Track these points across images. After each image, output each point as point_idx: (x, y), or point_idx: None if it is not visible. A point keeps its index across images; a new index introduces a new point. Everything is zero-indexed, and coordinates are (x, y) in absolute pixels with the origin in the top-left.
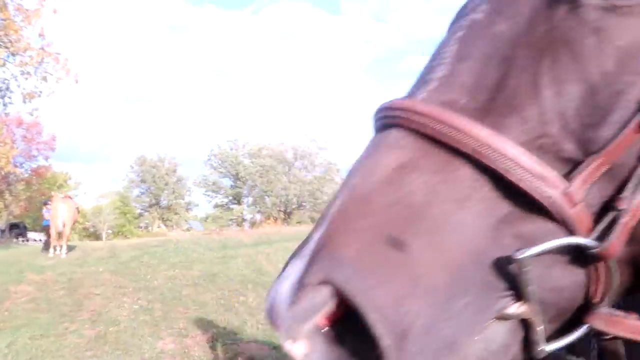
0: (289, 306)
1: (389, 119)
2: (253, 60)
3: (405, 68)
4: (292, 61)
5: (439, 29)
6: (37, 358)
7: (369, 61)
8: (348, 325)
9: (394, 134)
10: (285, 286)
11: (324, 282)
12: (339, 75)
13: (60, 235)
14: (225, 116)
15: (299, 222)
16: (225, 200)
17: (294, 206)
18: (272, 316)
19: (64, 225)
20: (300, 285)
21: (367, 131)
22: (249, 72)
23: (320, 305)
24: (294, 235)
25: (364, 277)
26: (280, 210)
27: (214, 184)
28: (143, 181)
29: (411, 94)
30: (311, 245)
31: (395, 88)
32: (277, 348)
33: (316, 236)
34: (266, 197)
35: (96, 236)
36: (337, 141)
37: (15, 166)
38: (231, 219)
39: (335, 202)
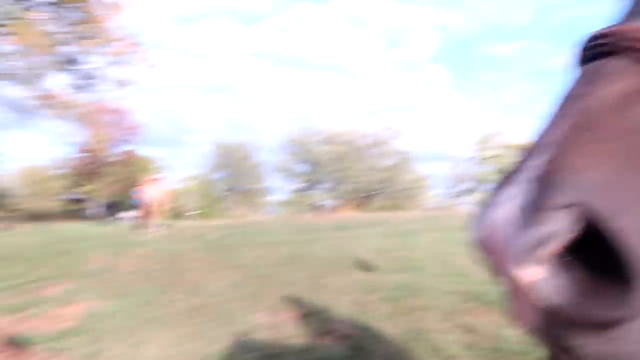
0: (520, 230)
1: (607, 47)
2: (324, 48)
3: (478, 55)
4: (362, 48)
5: (510, 14)
6: (145, 322)
7: (440, 48)
8: (581, 253)
9: (614, 63)
10: (508, 210)
11: (570, 205)
12: (410, 63)
13: (151, 214)
14: (301, 103)
15: (376, 209)
16: (302, 185)
17: (371, 193)
18: (490, 242)
19: (155, 205)
20: (537, 209)
21: (571, 66)
22: (321, 60)
23: (562, 230)
24: (374, 220)
25: (621, 203)
26: (357, 197)
27: (291, 169)
28: (224, 166)
29: (627, 21)
30: (533, 171)
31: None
32: (367, 328)
33: (535, 163)
34: (342, 183)
35: (182, 217)
36: (410, 129)
37: (109, 150)
38: (308, 205)
39: (555, 130)
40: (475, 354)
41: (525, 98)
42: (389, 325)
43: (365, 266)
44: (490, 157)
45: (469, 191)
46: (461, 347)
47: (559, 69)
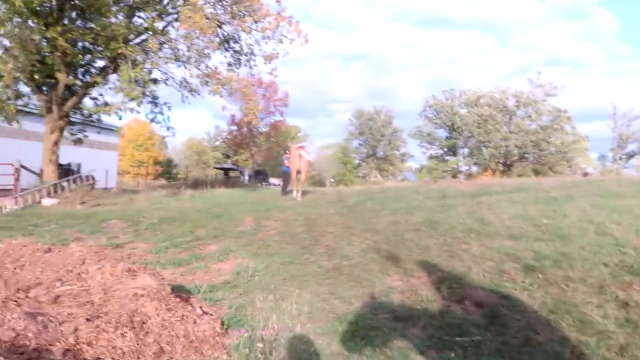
0: None
1: None
2: (470, 3)
3: None
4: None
5: None
6: (288, 279)
7: None
8: None
9: None
10: None
11: None
12: (568, 8)
13: (296, 180)
14: (441, 65)
15: (520, 175)
16: (440, 151)
17: (514, 158)
18: None
19: (299, 172)
20: None
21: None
22: (466, 17)
23: None
24: (517, 186)
25: None
26: (499, 162)
27: (428, 135)
28: (361, 133)
29: None
30: None
31: None
32: (505, 297)
33: None
34: (484, 148)
35: (321, 183)
36: (567, 85)
37: (259, 120)
38: (446, 170)
39: None
40: (633, 331)
41: None
42: (530, 296)
43: (505, 234)
44: None
45: (634, 154)
46: (616, 322)
47: None
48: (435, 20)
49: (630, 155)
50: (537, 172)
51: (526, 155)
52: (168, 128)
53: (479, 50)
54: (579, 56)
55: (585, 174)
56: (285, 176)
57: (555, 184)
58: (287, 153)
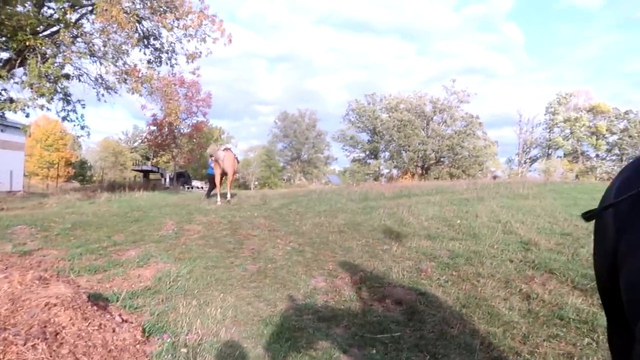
0: None
1: None
2: (390, 11)
3: (562, 7)
4: (431, 10)
5: None
6: (211, 284)
7: (511, 1)
8: None
9: None
10: None
11: None
12: (481, 20)
13: (220, 183)
14: (363, 70)
15: (436, 178)
16: (362, 155)
17: (431, 161)
18: None
19: (224, 174)
20: None
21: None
22: (386, 24)
23: None
24: (435, 188)
25: None
26: (417, 166)
27: (351, 138)
28: (286, 136)
29: None
30: None
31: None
32: (423, 294)
33: None
34: (403, 152)
35: (245, 186)
36: (479, 93)
37: (181, 121)
38: (368, 174)
39: None
40: (534, 321)
41: (607, 55)
42: (445, 292)
43: (422, 234)
44: (563, 122)
45: (537, 158)
46: (519, 314)
47: None
48: (358, 25)
49: (533, 160)
50: (452, 175)
51: (442, 159)
52: (82, 127)
53: (399, 57)
54: (489, 66)
55: (495, 177)
56: (211, 179)
57: (468, 187)
58: (212, 155)
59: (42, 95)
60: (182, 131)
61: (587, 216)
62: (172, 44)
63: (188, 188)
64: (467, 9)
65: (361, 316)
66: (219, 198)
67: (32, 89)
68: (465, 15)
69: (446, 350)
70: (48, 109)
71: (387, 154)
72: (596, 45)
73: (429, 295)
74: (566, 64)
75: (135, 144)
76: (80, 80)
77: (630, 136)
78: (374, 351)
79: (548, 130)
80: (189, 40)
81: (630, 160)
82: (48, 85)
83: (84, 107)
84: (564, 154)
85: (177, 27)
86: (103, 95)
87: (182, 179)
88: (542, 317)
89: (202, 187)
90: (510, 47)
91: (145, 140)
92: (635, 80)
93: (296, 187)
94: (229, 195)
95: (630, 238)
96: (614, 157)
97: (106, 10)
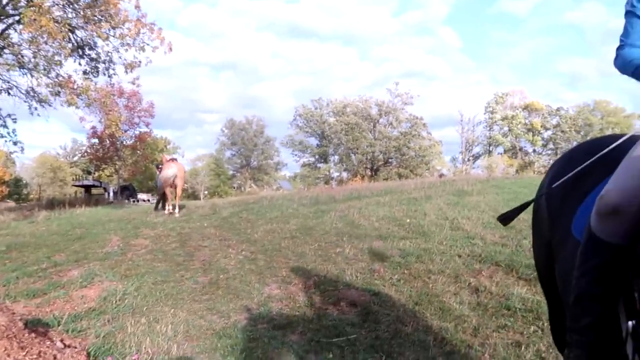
0: None
1: None
2: (331, 17)
3: (494, 12)
4: (371, 16)
5: None
6: (161, 299)
7: (447, 7)
8: None
9: None
10: None
11: None
12: (419, 26)
13: (168, 194)
14: (308, 76)
15: (385, 179)
16: (312, 159)
17: (380, 163)
18: None
19: (172, 185)
20: None
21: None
22: (328, 31)
23: None
24: (384, 189)
25: None
26: (366, 168)
27: (300, 143)
28: (233, 143)
29: None
30: None
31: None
32: (376, 294)
33: None
34: (352, 154)
35: (194, 196)
36: (421, 95)
37: (123, 132)
38: (318, 178)
39: None
40: (483, 313)
41: (538, 56)
42: (398, 291)
43: (374, 235)
44: (501, 120)
45: (479, 155)
46: (469, 307)
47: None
48: (300, 32)
49: (476, 157)
50: (400, 176)
51: (390, 160)
52: (14, 143)
53: (343, 62)
54: (429, 69)
55: (441, 175)
56: (159, 190)
57: (416, 186)
58: (160, 167)
59: None
60: (124, 143)
61: (502, 219)
62: (109, 54)
63: (134, 201)
64: (405, 15)
65: (316, 321)
66: (167, 209)
67: None
68: (404, 21)
69: (401, 348)
70: None
71: (336, 157)
72: (527, 48)
73: (382, 295)
74: (501, 65)
75: (75, 158)
76: (9, 93)
77: (562, 131)
78: (331, 355)
79: (488, 129)
80: (126, 50)
81: (560, 156)
82: None
83: (15, 122)
84: (504, 150)
85: (114, 36)
86: (36, 108)
87: (127, 192)
88: (490, 309)
89: (148, 200)
90: (448, 51)
91: (86, 154)
92: (564, 79)
93: (247, 194)
94: (177, 209)
95: (561, 229)
96: (549, 152)
97: (34, 19)
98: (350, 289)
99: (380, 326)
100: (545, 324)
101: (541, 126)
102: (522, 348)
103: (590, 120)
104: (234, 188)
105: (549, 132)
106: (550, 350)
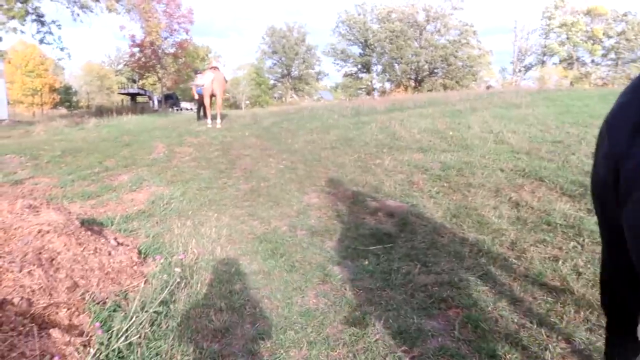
0: None
1: None
2: None
3: None
4: None
5: None
6: (205, 204)
7: None
8: None
9: None
10: None
11: None
12: None
13: (210, 103)
14: None
15: (430, 90)
16: (354, 69)
17: (425, 73)
18: None
19: (213, 93)
20: None
21: None
22: None
23: None
24: (427, 101)
25: None
26: (410, 78)
27: (342, 52)
28: (274, 52)
29: None
30: None
31: None
32: (414, 205)
33: None
34: (396, 64)
35: (236, 106)
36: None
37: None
38: (360, 88)
39: None
40: (522, 227)
41: None
42: (436, 203)
43: (414, 147)
44: (559, 27)
45: (531, 66)
46: (508, 221)
47: None
48: None
49: (527, 68)
50: (445, 87)
51: (435, 71)
52: (61, 49)
53: None
54: None
55: (489, 87)
56: (201, 98)
57: (461, 98)
58: (199, 73)
59: (13, 17)
60: (166, 51)
61: None
62: None
63: (177, 110)
64: None
65: (354, 229)
66: (209, 120)
67: (1, 11)
68: None
69: (436, 258)
70: (22, 32)
71: (379, 67)
72: None
73: (420, 206)
74: None
75: (119, 66)
76: None
77: (627, 39)
78: (366, 262)
79: (544, 37)
80: None
81: (630, 83)
82: (19, 5)
83: (59, 28)
84: (560, 61)
85: None
86: (78, 14)
87: (171, 100)
88: (530, 224)
89: (191, 109)
90: None
91: (129, 62)
92: None
93: (288, 104)
94: (219, 119)
95: (630, 169)
96: (609, 62)
97: None
98: (389, 199)
99: (417, 236)
100: (586, 240)
101: (603, 34)
102: (560, 262)
103: None
104: (275, 98)
105: (612, 41)
106: (589, 266)
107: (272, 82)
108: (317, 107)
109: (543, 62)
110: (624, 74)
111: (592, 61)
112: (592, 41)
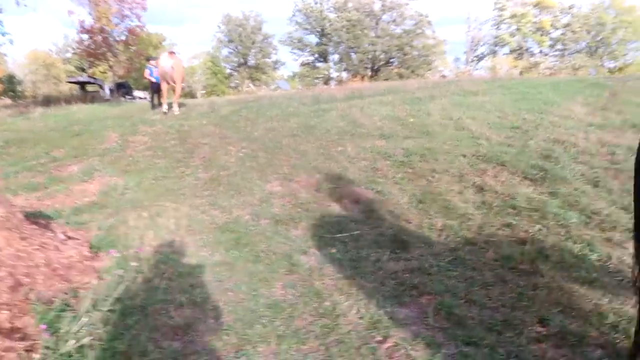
0: None
1: None
2: None
3: None
4: None
5: None
6: (162, 194)
7: None
8: None
9: None
10: None
11: None
12: None
13: (165, 91)
14: None
15: (386, 79)
16: (311, 58)
17: (381, 63)
18: None
19: (173, 81)
20: None
21: None
22: None
23: None
24: (386, 89)
25: None
26: (367, 67)
27: (299, 41)
28: (231, 41)
29: None
30: None
31: None
32: (379, 192)
33: None
34: (353, 53)
35: (192, 95)
36: None
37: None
38: (317, 77)
39: None
40: (488, 211)
41: None
42: (401, 189)
43: (376, 134)
44: (510, 18)
45: (483, 56)
46: (474, 206)
47: None
48: None
49: (480, 58)
50: (401, 76)
51: (392, 60)
52: (2, 34)
53: None
54: None
55: (444, 76)
56: (155, 86)
57: (420, 86)
58: (152, 60)
59: None
60: (117, 38)
61: None
62: None
63: (130, 99)
64: None
65: (319, 217)
66: (165, 107)
67: None
68: None
69: (404, 245)
70: None
71: (336, 56)
72: None
73: (385, 192)
74: None
75: (68, 54)
76: None
77: (572, 31)
78: (334, 250)
79: (495, 27)
80: None
81: None
82: None
83: (0, 12)
84: (510, 51)
85: None
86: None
87: (123, 89)
88: (495, 208)
89: (145, 98)
90: None
91: (78, 50)
92: None
93: (245, 94)
94: (176, 107)
95: None
96: (556, 53)
97: None
98: (353, 186)
99: (384, 223)
100: (551, 223)
101: (550, 25)
102: (527, 245)
103: (602, 20)
104: (232, 87)
105: (558, 32)
106: (555, 248)
107: (228, 71)
108: (275, 95)
109: (495, 52)
110: (570, 64)
111: (540, 52)
112: (540, 32)
